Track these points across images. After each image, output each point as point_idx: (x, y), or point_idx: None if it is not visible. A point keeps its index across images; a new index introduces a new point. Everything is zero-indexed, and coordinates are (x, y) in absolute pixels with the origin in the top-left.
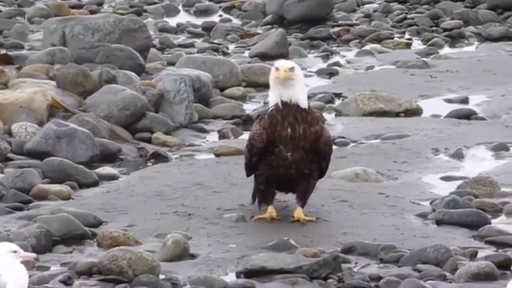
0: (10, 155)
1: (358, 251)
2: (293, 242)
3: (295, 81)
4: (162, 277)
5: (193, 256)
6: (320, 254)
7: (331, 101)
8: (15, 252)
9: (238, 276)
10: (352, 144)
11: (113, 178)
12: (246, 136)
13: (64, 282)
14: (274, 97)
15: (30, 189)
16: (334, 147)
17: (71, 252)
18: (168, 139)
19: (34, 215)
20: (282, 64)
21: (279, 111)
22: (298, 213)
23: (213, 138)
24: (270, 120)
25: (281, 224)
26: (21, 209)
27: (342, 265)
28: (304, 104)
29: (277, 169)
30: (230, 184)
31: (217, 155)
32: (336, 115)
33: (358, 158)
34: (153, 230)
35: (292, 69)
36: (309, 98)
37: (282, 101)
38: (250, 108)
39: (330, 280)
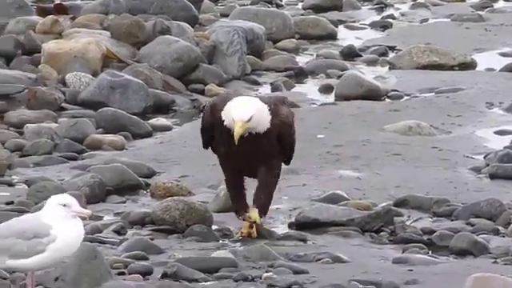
0: (64, 105)
1: (410, 205)
2: (345, 195)
3: (252, 124)
4: (214, 227)
5: None
6: (372, 206)
7: (385, 54)
8: (65, 206)
9: (289, 228)
10: (405, 97)
11: (166, 129)
12: (298, 89)
13: (117, 232)
14: (230, 124)
15: (83, 139)
16: (386, 101)
17: (124, 202)
18: (221, 91)
19: (87, 165)
20: (238, 117)
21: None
22: (253, 213)
23: (265, 90)
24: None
25: (333, 177)
26: (74, 158)
27: (395, 218)
28: (263, 129)
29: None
30: None
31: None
32: (390, 68)
33: (412, 112)
34: (205, 180)
35: (249, 119)
36: (362, 50)
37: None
38: (302, 60)
39: (382, 233)
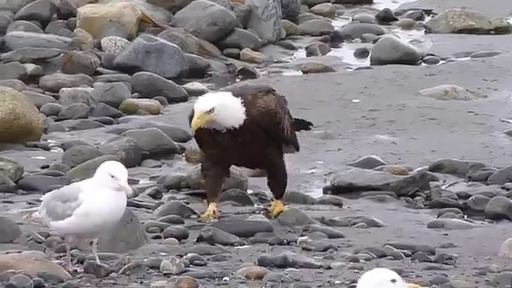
0: (100, 69)
1: (446, 169)
2: (380, 159)
3: (218, 118)
4: (249, 192)
5: None
6: (408, 171)
7: (421, 17)
8: (113, 177)
9: (325, 192)
10: (441, 61)
11: (201, 93)
12: (333, 53)
13: (153, 196)
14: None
15: (119, 103)
16: (422, 65)
17: (160, 166)
18: (256, 55)
19: (123, 129)
20: (198, 107)
21: (210, 132)
22: (275, 206)
23: (300, 54)
24: (199, 131)
25: (368, 141)
26: (110, 122)
27: (430, 182)
28: (238, 123)
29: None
30: (317, 101)
31: (304, 72)
32: (425, 32)
33: (448, 76)
34: None
35: (211, 111)
36: (398, 14)
37: (212, 129)
38: (338, 25)
39: (417, 197)
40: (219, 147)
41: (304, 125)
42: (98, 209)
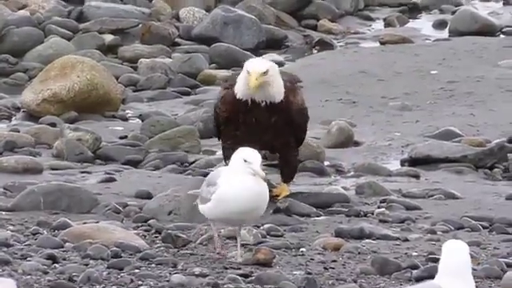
0: (178, 40)
1: None
2: (458, 131)
3: (270, 82)
4: (326, 163)
5: (357, 143)
6: (486, 143)
7: None
8: (246, 161)
9: (402, 164)
10: None
11: (279, 64)
12: (412, 24)
13: None
14: (243, 91)
15: (197, 74)
16: (501, 36)
17: None
18: (333, 26)
19: (200, 100)
20: (254, 68)
21: (247, 107)
22: (281, 190)
23: (378, 25)
24: (233, 107)
25: (446, 113)
26: (188, 93)
27: (508, 154)
28: (279, 98)
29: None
30: (395, 72)
31: (382, 43)
32: (504, 4)
33: None
34: (317, 116)
35: (266, 72)
36: None
37: (252, 100)
38: None
39: (495, 170)
40: (246, 127)
41: None
42: (232, 195)
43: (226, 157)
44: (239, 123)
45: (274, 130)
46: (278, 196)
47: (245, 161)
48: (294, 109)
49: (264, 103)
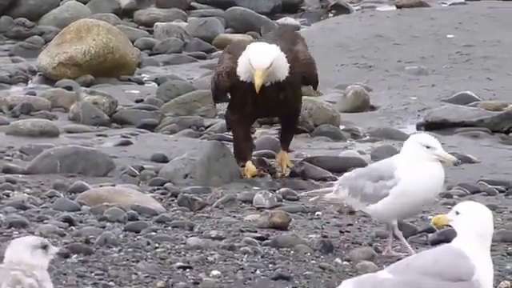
0: (194, 4)
1: None
2: (475, 95)
3: (273, 69)
4: (342, 127)
5: (373, 108)
6: (502, 107)
7: None
8: (429, 148)
9: (418, 128)
10: None
11: (295, 28)
12: None
13: None
14: (246, 74)
15: (212, 38)
16: None
17: None
18: None
19: (216, 64)
20: (258, 66)
21: (252, 87)
22: (283, 162)
23: None
24: (237, 88)
25: (463, 77)
26: (203, 57)
27: None
28: (284, 75)
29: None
30: (411, 36)
31: (398, 7)
32: None
33: None
34: (333, 81)
35: (269, 66)
36: None
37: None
38: None
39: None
40: (253, 101)
41: None
42: (417, 184)
43: (230, 129)
44: (247, 99)
45: (283, 103)
46: (282, 169)
47: (427, 147)
48: (301, 71)
49: (269, 83)
